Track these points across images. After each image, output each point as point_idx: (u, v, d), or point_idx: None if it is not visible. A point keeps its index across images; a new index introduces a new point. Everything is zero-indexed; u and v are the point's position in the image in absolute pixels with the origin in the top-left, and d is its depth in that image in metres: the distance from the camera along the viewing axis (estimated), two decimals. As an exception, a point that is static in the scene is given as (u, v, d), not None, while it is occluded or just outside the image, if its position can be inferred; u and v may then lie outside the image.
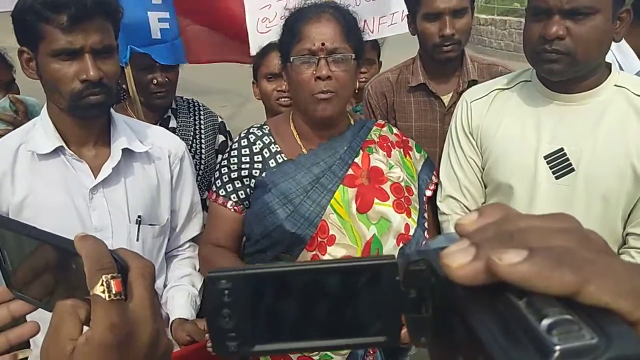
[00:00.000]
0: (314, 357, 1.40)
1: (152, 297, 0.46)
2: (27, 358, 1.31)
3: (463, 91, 1.81)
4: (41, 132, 1.34)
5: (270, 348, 0.35)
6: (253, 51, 2.16)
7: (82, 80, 1.23)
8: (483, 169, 1.52)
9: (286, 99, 1.98)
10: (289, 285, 0.34)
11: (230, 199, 1.46)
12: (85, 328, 0.44)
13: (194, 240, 1.62)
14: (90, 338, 0.41)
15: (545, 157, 1.38)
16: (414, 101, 1.87)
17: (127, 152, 1.39)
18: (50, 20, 1.20)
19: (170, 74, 1.98)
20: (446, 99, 1.85)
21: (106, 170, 1.36)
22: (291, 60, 1.37)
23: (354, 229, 1.38)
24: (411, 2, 1.81)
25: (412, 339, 0.34)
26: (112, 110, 1.43)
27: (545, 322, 0.24)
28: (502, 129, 1.45)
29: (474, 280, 0.28)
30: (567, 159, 1.36)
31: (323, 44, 1.34)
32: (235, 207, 1.46)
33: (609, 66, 1.41)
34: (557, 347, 0.23)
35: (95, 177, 1.35)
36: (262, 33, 2.18)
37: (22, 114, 1.72)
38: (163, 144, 1.49)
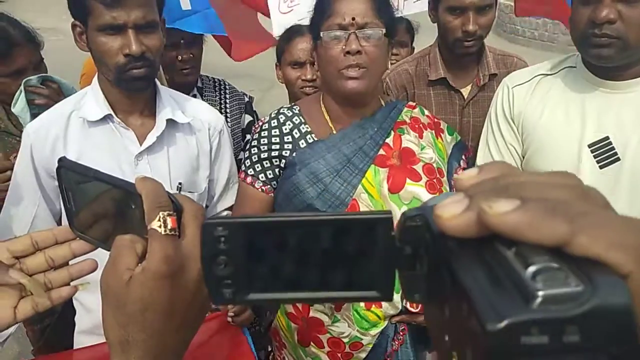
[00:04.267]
0: (344, 340, 1.40)
1: None
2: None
3: (484, 85, 1.79)
4: (92, 100, 1.41)
5: (265, 297, 0.35)
6: (275, 32, 2.11)
7: (126, 55, 1.29)
8: (523, 157, 1.47)
9: (310, 88, 1.95)
10: (284, 236, 0.34)
11: (258, 179, 1.46)
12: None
13: (230, 209, 1.68)
14: (146, 268, 0.45)
15: (590, 146, 1.32)
16: (433, 94, 1.83)
17: (170, 123, 1.46)
18: None
19: (194, 49, 1.96)
20: (465, 92, 1.82)
21: (151, 138, 1.43)
22: (321, 35, 1.34)
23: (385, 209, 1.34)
24: None
25: (406, 296, 0.34)
26: (157, 82, 1.49)
27: (531, 269, 0.23)
28: (546, 116, 1.40)
29: (466, 232, 0.27)
30: (613, 148, 1.31)
31: (353, 19, 1.31)
32: (264, 187, 1.46)
33: (658, 53, 1.34)
34: (540, 293, 0.22)
35: (141, 145, 1.42)
36: (284, 13, 2.13)
37: (57, 90, 1.73)
38: (204, 116, 1.56)
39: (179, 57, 1.92)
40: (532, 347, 0.22)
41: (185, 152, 1.50)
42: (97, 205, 0.55)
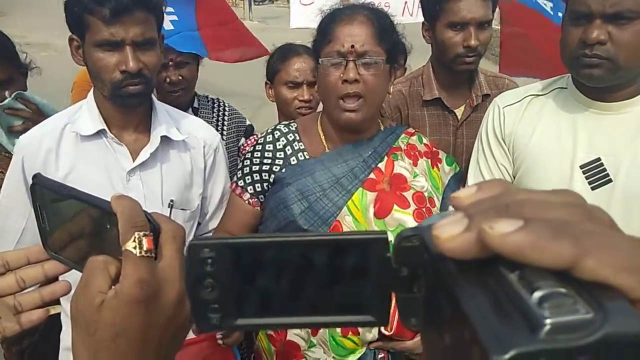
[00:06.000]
0: None
1: (181, 259, 0.47)
2: (58, 313, 1.42)
3: (477, 105, 1.79)
4: (86, 114, 1.41)
5: (254, 322, 0.34)
6: (293, 24, 2.11)
7: (122, 71, 1.29)
8: (514, 177, 1.47)
9: (306, 109, 1.95)
10: (275, 257, 0.32)
11: (247, 191, 1.47)
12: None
13: None
14: (119, 292, 0.43)
15: (582, 167, 1.32)
16: (427, 115, 1.83)
17: (165, 139, 1.45)
18: (94, 12, 1.26)
19: (184, 71, 1.93)
20: (459, 112, 1.82)
21: (144, 154, 1.42)
22: (320, 61, 1.35)
23: None
24: (431, 9, 1.76)
25: (402, 320, 0.33)
26: (154, 98, 1.49)
27: (537, 294, 0.22)
28: (537, 136, 1.40)
29: (465, 253, 0.26)
30: (604, 170, 1.30)
31: (352, 46, 1.30)
32: (251, 200, 1.46)
33: (649, 75, 1.35)
34: (548, 321, 0.21)
35: (134, 161, 1.41)
36: (305, 5, 2.14)
37: (35, 111, 1.71)
38: (199, 134, 1.55)
39: (167, 79, 1.89)
40: None
41: (178, 169, 1.49)
42: (72, 224, 0.53)
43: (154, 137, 1.43)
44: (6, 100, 1.66)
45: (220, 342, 1.47)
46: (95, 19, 1.26)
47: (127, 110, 1.39)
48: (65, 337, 1.47)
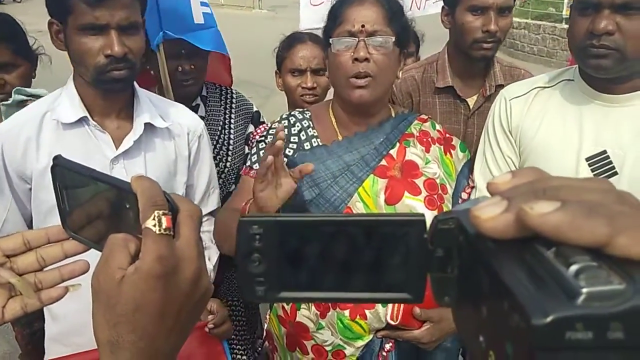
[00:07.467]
0: (326, 348, 1.39)
1: (197, 238, 0.48)
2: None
3: (490, 95, 1.78)
4: (66, 101, 1.36)
5: (296, 296, 0.36)
6: (302, 25, 2.11)
7: (107, 55, 1.26)
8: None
9: (310, 96, 1.95)
10: (318, 235, 0.34)
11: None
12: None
13: (211, 214, 1.64)
14: (139, 267, 0.44)
15: (587, 159, 1.32)
16: (439, 102, 1.83)
17: (148, 127, 1.42)
18: None
19: (196, 61, 1.91)
20: (471, 101, 1.81)
21: (127, 142, 1.39)
22: (331, 42, 1.36)
23: None
24: None
25: (436, 298, 0.34)
26: (136, 85, 1.46)
27: (573, 267, 0.24)
28: (543, 128, 1.40)
29: (504, 232, 0.27)
30: (610, 162, 1.30)
31: (363, 26, 1.32)
32: None
33: (657, 67, 1.34)
34: (584, 290, 0.23)
35: (117, 149, 1.38)
36: (314, 5, 2.14)
37: None
38: (183, 121, 1.53)
39: (180, 68, 1.88)
40: (576, 342, 0.23)
41: (162, 157, 1.47)
42: (91, 204, 0.54)
43: (137, 124, 1.40)
44: (11, 99, 1.66)
45: (209, 330, 1.48)
46: (79, 2, 1.22)
47: (110, 96, 1.36)
48: (47, 329, 1.45)
